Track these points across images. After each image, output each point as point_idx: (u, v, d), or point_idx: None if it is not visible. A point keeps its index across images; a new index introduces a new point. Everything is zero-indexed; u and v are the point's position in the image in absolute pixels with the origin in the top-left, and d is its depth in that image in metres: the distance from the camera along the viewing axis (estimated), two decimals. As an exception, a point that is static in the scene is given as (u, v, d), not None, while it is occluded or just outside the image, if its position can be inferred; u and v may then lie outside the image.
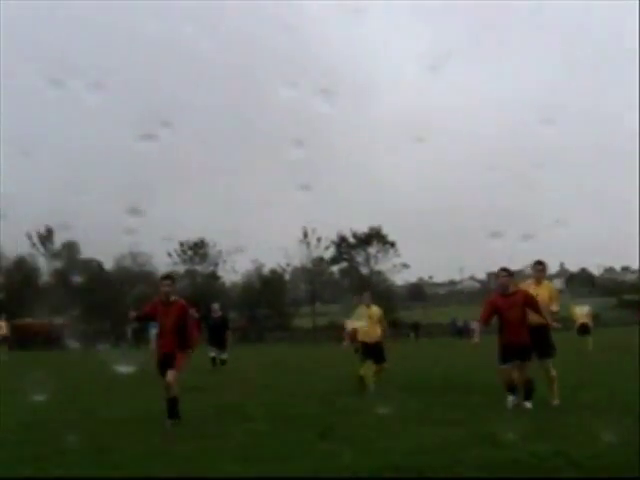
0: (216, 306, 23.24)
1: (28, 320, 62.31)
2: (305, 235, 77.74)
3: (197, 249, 78.96)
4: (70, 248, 75.37)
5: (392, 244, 79.92)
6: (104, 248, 70.63)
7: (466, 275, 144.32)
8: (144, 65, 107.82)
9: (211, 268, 79.46)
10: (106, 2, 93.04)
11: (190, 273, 78.08)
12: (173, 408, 9.95)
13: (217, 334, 22.11)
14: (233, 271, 79.68)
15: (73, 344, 56.99)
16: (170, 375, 9.94)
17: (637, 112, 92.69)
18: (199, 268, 78.97)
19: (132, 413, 11.34)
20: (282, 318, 79.72)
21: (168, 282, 10.43)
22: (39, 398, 11.58)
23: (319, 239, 78.27)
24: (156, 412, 10.45)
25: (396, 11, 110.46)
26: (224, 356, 22.20)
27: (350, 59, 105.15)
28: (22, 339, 53.32)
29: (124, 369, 12.48)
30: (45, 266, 75.16)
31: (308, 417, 10.45)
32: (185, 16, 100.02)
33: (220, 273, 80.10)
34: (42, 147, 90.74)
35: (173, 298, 10.26)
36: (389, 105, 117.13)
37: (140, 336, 57.06)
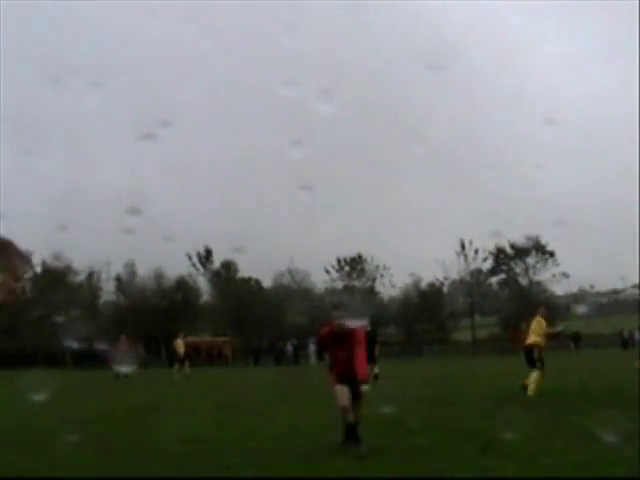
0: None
1: (191, 338, 64.68)
2: (462, 247, 76.87)
3: (354, 264, 79.51)
4: (228, 267, 77.55)
5: (551, 254, 77.62)
6: (262, 266, 72.45)
7: (629, 284, 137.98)
8: (144, 65, 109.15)
9: (369, 283, 79.81)
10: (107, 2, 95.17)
11: (348, 289, 78.65)
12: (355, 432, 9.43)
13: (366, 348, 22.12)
14: (391, 285, 79.82)
15: (233, 361, 58.63)
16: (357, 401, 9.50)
17: (637, 114, 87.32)
18: (357, 284, 79.41)
19: (291, 429, 11.52)
20: (441, 331, 79.03)
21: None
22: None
23: (476, 251, 77.20)
24: (316, 426, 10.57)
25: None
26: (375, 370, 22.25)
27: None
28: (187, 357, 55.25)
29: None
30: (205, 285, 77.65)
31: (469, 430, 10.32)
32: (185, 16, 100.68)
33: (378, 288, 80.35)
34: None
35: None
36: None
37: (300, 353, 58.16)
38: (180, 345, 35.65)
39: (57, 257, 65.25)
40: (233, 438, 10.87)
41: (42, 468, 8.25)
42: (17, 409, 15.45)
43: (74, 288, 70.03)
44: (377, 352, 22.69)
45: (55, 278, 69.48)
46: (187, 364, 36.06)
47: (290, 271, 79.08)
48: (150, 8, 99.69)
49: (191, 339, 63.31)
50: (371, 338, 22.45)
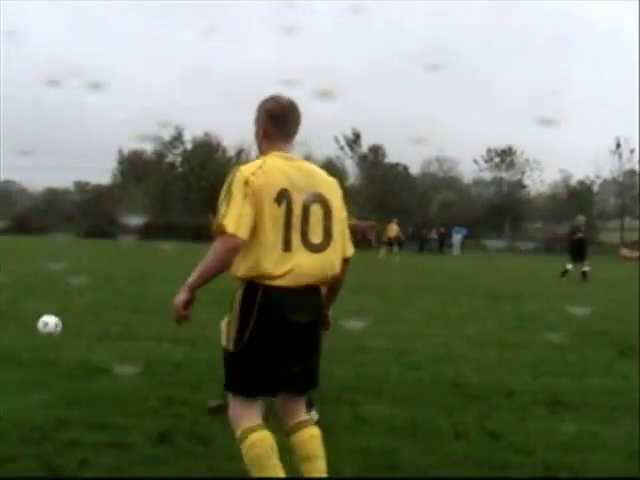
0: (581, 218, 24.70)
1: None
2: (618, 146, 73.37)
3: (505, 156, 77.62)
4: (376, 151, 77.31)
5: None
6: (410, 152, 71.90)
7: None
8: (144, 65, 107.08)
9: (517, 176, 77.92)
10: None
11: (496, 180, 77.15)
12: None
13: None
14: (540, 180, 77.67)
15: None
16: None
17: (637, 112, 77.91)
18: (505, 176, 77.73)
19: (430, 317, 11.59)
20: (589, 231, 76.54)
21: None
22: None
23: (632, 151, 73.48)
24: (453, 316, 10.55)
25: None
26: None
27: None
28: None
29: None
30: (352, 169, 77.86)
31: (611, 334, 10.13)
32: (185, 16, 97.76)
33: (526, 182, 78.38)
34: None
35: None
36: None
37: (444, 242, 58.02)
38: (392, 230, 36.64)
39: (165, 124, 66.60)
40: (374, 321, 11.10)
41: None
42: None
43: (222, 164, 71.59)
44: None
45: (205, 154, 71.47)
46: (396, 248, 38.27)
47: (438, 159, 78.21)
48: (149, 8, 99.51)
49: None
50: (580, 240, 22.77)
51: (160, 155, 74.52)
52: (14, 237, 31.89)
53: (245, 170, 3.48)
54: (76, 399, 5.66)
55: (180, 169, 74.00)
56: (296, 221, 3.48)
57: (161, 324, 8.98)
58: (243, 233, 3.38)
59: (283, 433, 3.71)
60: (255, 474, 3.47)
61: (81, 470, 4.24)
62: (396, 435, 5.14)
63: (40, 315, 8.93)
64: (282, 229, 3.45)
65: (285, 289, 3.44)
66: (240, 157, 71.93)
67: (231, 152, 72.11)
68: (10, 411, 5.22)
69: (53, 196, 74.28)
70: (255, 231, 3.42)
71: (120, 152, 73.39)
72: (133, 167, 72.66)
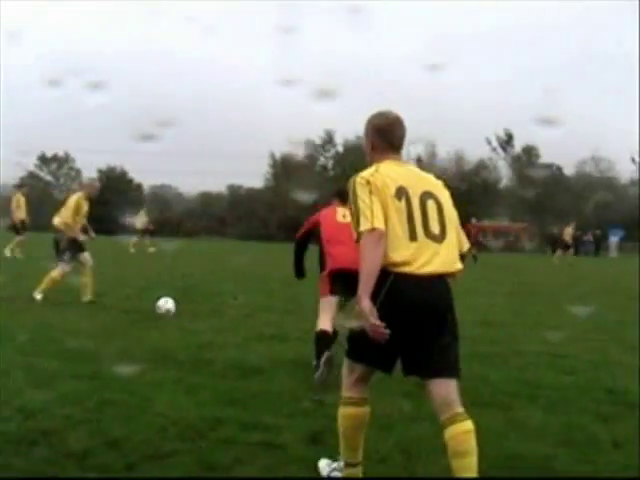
0: None
1: (486, 222, 64.51)
2: None
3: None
4: (530, 152, 75.56)
5: None
6: (565, 152, 69.87)
7: None
8: (144, 65, 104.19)
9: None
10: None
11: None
12: None
13: None
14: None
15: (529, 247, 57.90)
16: None
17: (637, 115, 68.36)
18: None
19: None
20: None
21: None
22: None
23: None
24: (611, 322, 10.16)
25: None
26: None
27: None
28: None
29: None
30: (505, 170, 76.41)
31: None
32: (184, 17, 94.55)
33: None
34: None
35: None
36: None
37: (600, 244, 56.03)
38: (567, 233, 34.96)
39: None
40: (527, 324, 10.84)
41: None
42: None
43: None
44: None
45: (357, 156, 71.95)
46: (571, 251, 35.46)
47: (594, 158, 75.44)
48: (148, 8, 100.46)
49: (488, 224, 63.29)
50: None
51: (312, 158, 75.65)
52: (167, 240, 33.11)
53: (363, 175, 3.82)
54: (230, 399, 5.78)
55: (332, 172, 74.87)
56: (417, 214, 3.76)
57: (313, 326, 9.07)
58: (379, 224, 3.65)
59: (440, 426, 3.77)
60: (342, 438, 3.96)
61: (234, 468, 4.32)
62: (551, 442, 4.98)
63: (196, 316, 9.20)
64: (406, 221, 3.73)
65: (413, 276, 3.68)
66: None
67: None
68: (167, 409, 5.39)
69: (207, 200, 76.65)
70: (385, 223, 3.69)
71: (272, 156, 74.96)
72: (286, 170, 74.03)
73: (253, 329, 9.27)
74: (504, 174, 76.30)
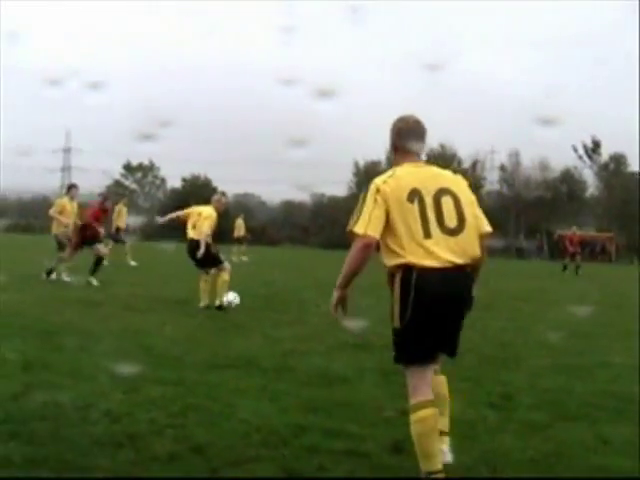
0: None
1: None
2: None
3: None
4: (618, 160, 73.81)
5: None
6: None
7: None
8: (144, 66, 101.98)
9: None
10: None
11: None
12: None
13: None
14: None
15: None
16: None
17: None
18: None
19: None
20: None
21: None
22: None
23: None
24: None
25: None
26: None
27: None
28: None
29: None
30: (591, 178, 74.80)
31: None
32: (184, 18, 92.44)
33: None
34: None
35: None
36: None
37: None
38: None
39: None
40: (613, 335, 10.58)
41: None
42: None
43: (458, 175, 71.50)
44: None
45: (441, 166, 71.51)
46: None
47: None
48: (148, 9, 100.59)
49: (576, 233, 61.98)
50: None
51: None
52: (250, 248, 33.43)
53: (378, 180, 4.21)
54: (314, 406, 5.77)
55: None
56: (430, 212, 4.08)
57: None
58: (373, 231, 4.05)
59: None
60: (417, 447, 4.02)
61: (317, 475, 4.31)
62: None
63: (279, 324, 9.23)
64: (419, 220, 4.06)
65: (434, 269, 4.01)
66: (475, 168, 71.48)
67: (466, 163, 71.48)
68: (251, 415, 5.42)
69: (289, 208, 77.08)
70: (396, 227, 4.05)
71: (356, 164, 75.05)
72: (369, 179, 73.99)
73: (337, 337, 9.26)
74: (590, 182, 74.67)
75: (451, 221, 4.12)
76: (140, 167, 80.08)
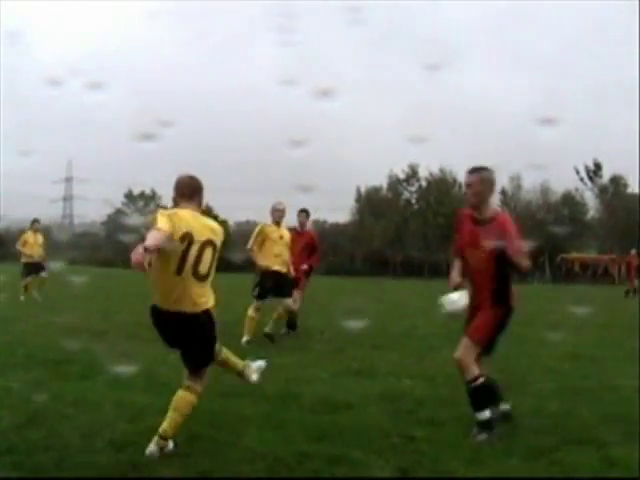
0: None
1: (574, 254, 63.24)
2: None
3: None
4: (618, 182, 73.95)
5: None
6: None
7: None
8: (144, 66, 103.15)
9: None
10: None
11: None
12: None
13: None
14: None
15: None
16: None
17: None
18: None
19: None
20: None
21: None
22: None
23: None
24: None
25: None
26: None
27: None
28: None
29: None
30: (592, 201, 74.90)
31: None
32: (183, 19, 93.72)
33: None
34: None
35: None
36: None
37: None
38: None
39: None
40: (619, 358, 10.51)
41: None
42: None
43: (459, 200, 71.57)
44: None
45: (441, 190, 71.73)
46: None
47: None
48: (147, 10, 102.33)
49: (576, 255, 61.98)
50: None
51: (396, 192, 75.61)
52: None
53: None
54: (318, 433, 5.75)
55: (416, 206, 74.71)
56: (191, 258, 5.12)
57: (400, 360, 9.01)
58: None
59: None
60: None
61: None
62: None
63: (282, 350, 9.17)
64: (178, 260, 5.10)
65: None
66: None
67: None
68: (255, 443, 5.39)
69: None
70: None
71: (358, 190, 75.24)
72: (371, 205, 74.10)
73: (341, 364, 9.23)
74: (591, 205, 74.81)
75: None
76: (142, 196, 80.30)
